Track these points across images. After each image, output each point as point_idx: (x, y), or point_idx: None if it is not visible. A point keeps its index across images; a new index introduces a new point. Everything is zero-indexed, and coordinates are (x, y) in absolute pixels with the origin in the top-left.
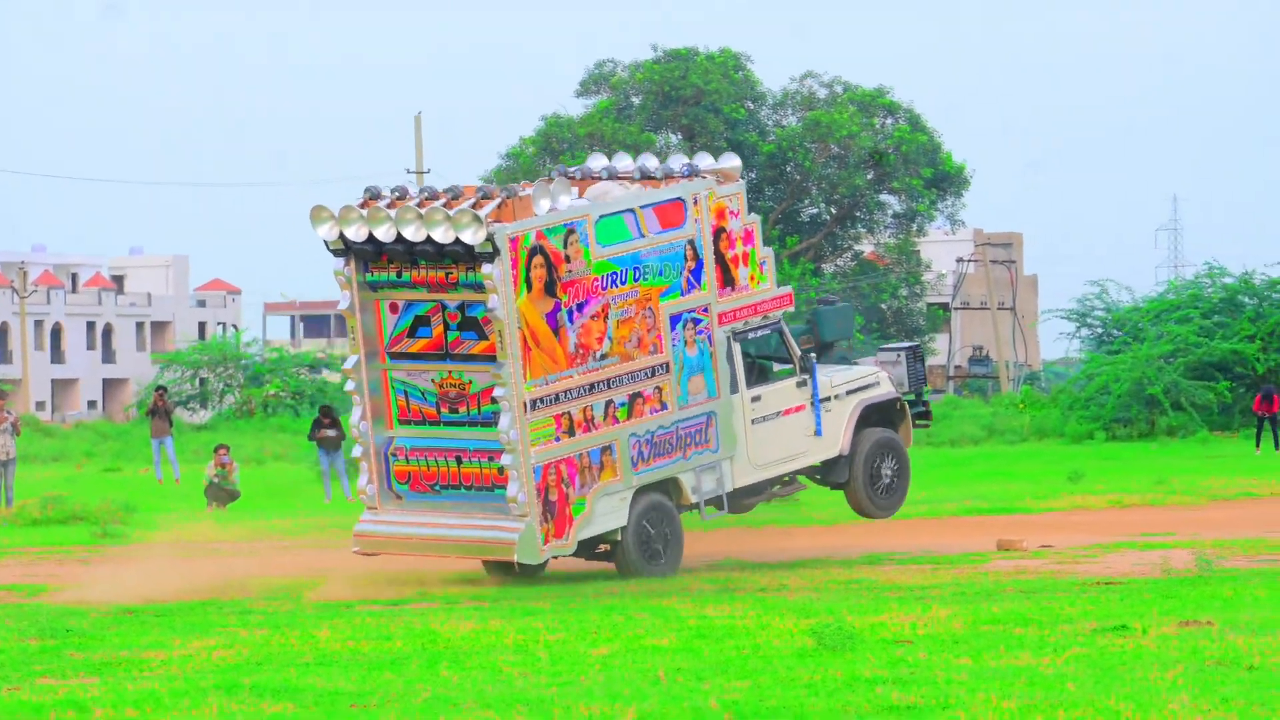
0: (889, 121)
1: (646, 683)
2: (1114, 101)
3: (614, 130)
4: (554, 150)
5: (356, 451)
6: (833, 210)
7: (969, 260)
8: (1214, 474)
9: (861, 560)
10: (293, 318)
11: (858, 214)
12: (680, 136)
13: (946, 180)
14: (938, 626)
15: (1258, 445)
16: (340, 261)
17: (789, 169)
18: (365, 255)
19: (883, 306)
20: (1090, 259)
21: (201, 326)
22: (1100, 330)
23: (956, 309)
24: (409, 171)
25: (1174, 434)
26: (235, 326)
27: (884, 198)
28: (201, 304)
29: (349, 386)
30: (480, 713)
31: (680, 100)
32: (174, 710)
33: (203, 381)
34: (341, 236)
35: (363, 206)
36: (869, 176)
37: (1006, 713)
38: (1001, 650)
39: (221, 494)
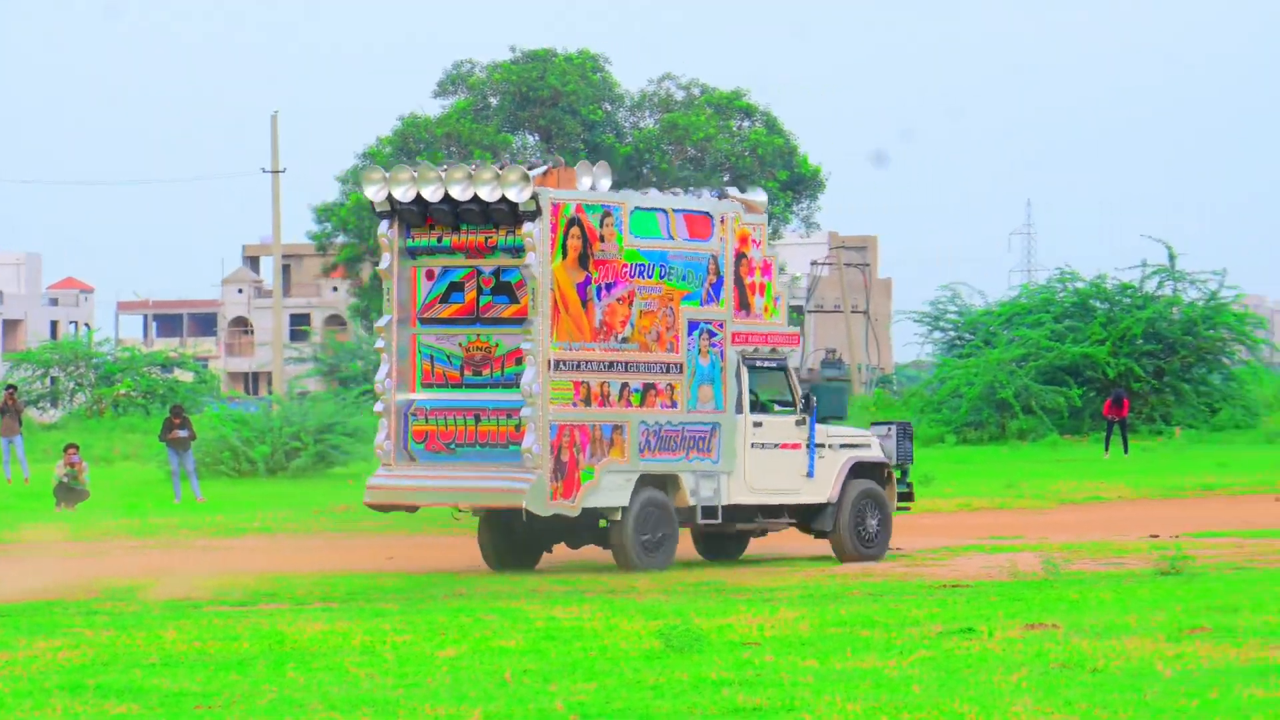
0: (745, 124)
1: (493, 684)
2: (969, 105)
3: (471, 131)
4: (410, 150)
5: (378, 408)
6: None
7: (823, 263)
8: (1063, 477)
9: (710, 562)
10: (145, 317)
11: None
12: (538, 138)
13: (802, 183)
14: (785, 628)
15: (1106, 449)
16: (385, 224)
17: (646, 171)
18: (410, 218)
19: None
20: (944, 262)
21: (54, 325)
22: (953, 334)
23: (810, 312)
24: (264, 170)
25: (1024, 437)
26: (87, 325)
27: None
28: (54, 303)
29: (379, 344)
30: (325, 714)
31: (538, 101)
32: (17, 711)
33: (54, 380)
34: (389, 198)
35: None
36: (725, 179)
37: (851, 715)
38: (848, 652)
39: (71, 494)
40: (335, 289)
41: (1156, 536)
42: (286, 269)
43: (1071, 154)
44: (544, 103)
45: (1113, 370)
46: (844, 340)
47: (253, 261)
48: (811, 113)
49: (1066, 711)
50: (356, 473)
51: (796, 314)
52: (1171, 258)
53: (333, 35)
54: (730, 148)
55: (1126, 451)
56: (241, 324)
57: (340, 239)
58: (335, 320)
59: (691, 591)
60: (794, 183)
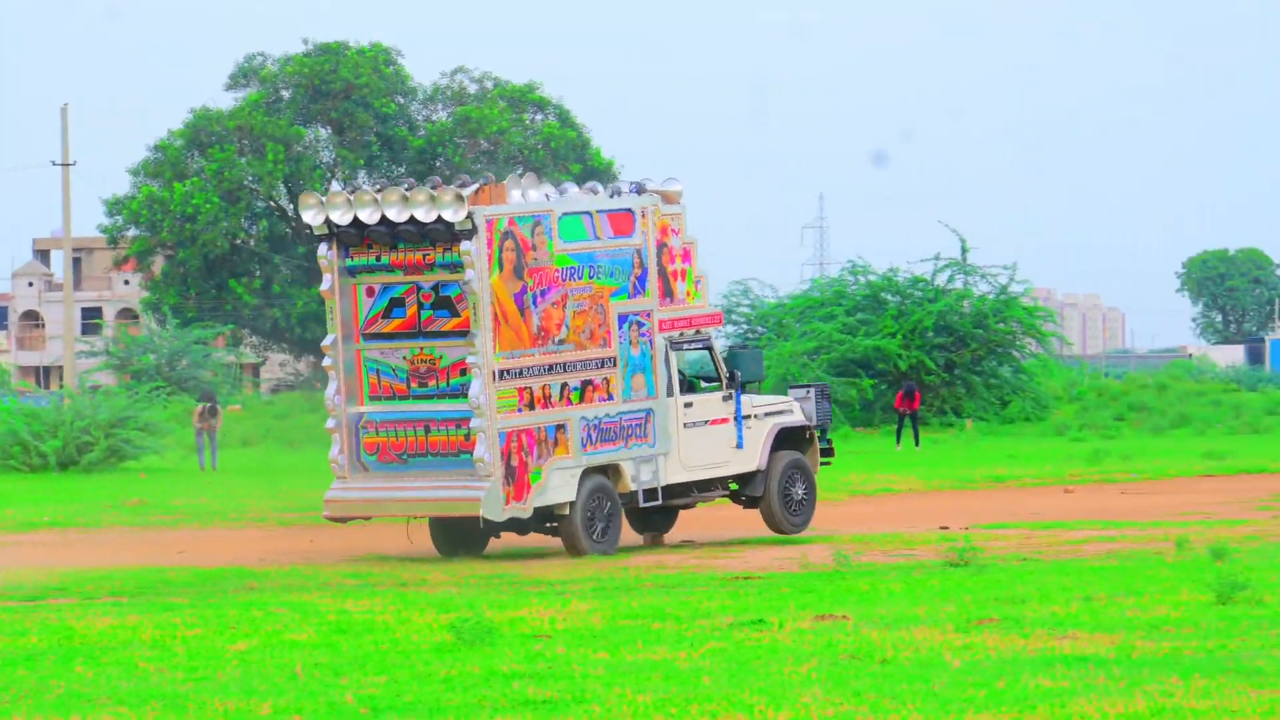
0: (539, 117)
1: (283, 678)
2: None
3: (264, 124)
4: (202, 143)
5: (330, 424)
6: None
7: None
8: (855, 469)
9: (503, 554)
10: None
11: None
12: (330, 130)
13: (595, 177)
14: (577, 621)
15: (898, 441)
16: (324, 246)
17: (439, 164)
18: (348, 239)
19: None
20: (736, 256)
21: None
22: (745, 327)
23: None
24: (54, 163)
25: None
26: None
27: None
28: None
29: (326, 362)
30: (114, 709)
31: (330, 94)
32: None
33: None
34: (327, 221)
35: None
36: (519, 173)
37: (641, 707)
38: (639, 644)
39: None
40: (127, 282)
41: (947, 528)
42: (77, 262)
43: (863, 146)
44: (336, 96)
45: (904, 363)
46: None
47: (43, 255)
48: (604, 106)
49: (855, 702)
50: (149, 467)
51: None
52: (964, 251)
53: (124, 27)
54: (523, 141)
55: (918, 444)
56: (32, 317)
57: (131, 232)
58: (127, 313)
59: (483, 584)
60: (586, 176)
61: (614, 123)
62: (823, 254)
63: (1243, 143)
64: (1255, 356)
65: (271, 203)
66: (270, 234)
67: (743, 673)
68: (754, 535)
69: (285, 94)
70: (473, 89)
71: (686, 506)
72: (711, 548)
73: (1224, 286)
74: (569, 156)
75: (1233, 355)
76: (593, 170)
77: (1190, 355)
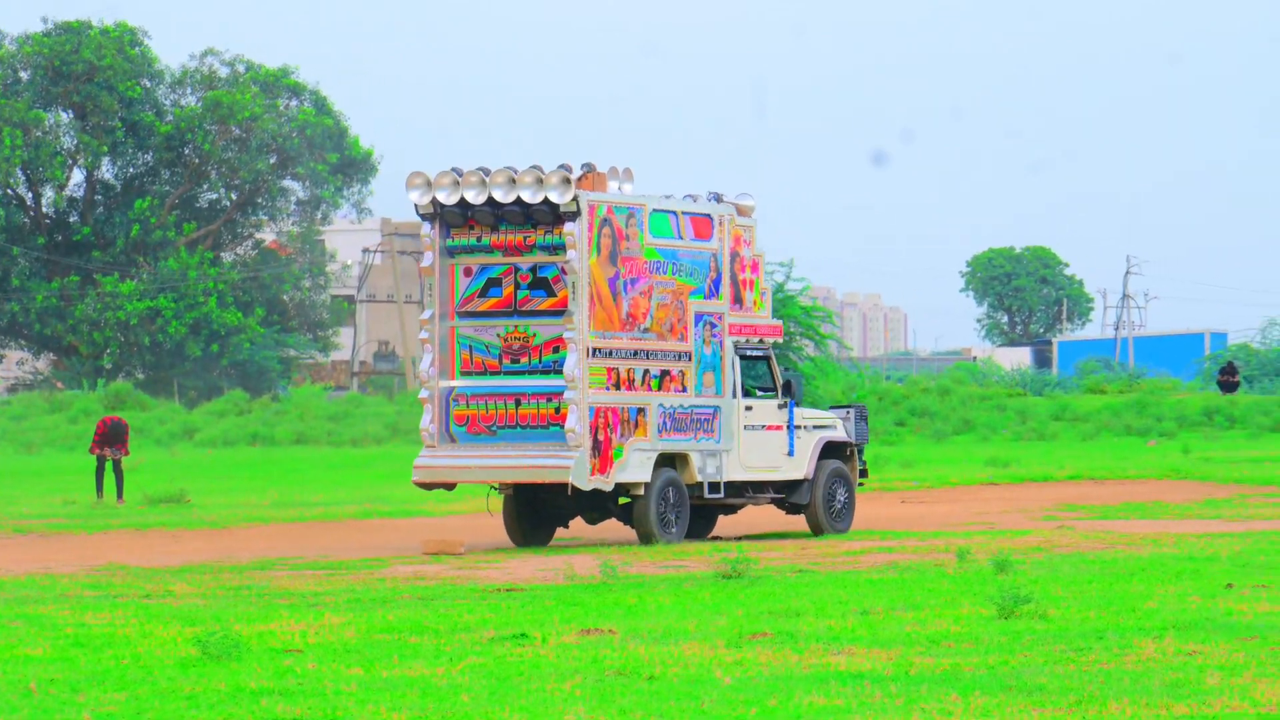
0: (294, 103)
1: (17, 695)
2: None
3: (1, 107)
4: None
5: (423, 394)
6: (233, 196)
7: (376, 251)
8: None
9: (253, 565)
10: None
11: (259, 200)
12: (72, 115)
13: (353, 166)
14: (330, 635)
15: None
16: (427, 225)
17: (187, 151)
18: (452, 219)
19: (285, 299)
20: None
21: None
22: None
23: (362, 301)
24: None
25: None
26: None
27: (287, 183)
28: None
29: (422, 335)
30: None
31: (72, 76)
32: None
33: None
34: (433, 201)
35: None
36: (272, 161)
37: None
38: (395, 660)
39: None
40: None
41: (718, 539)
42: None
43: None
44: (78, 78)
45: None
46: (398, 332)
47: None
48: (363, 93)
49: (621, 719)
50: None
51: (347, 304)
52: None
53: None
54: (277, 128)
55: None
56: None
57: None
58: None
59: (232, 596)
60: (345, 165)
61: (374, 110)
62: None
63: (1031, 139)
64: (1042, 359)
65: (9, 190)
66: (8, 224)
67: (503, 690)
68: (518, 546)
69: (23, 75)
70: (224, 73)
71: (739, 507)
72: (474, 558)
73: (1010, 286)
74: (325, 145)
75: (1019, 358)
76: (351, 159)
77: (975, 358)
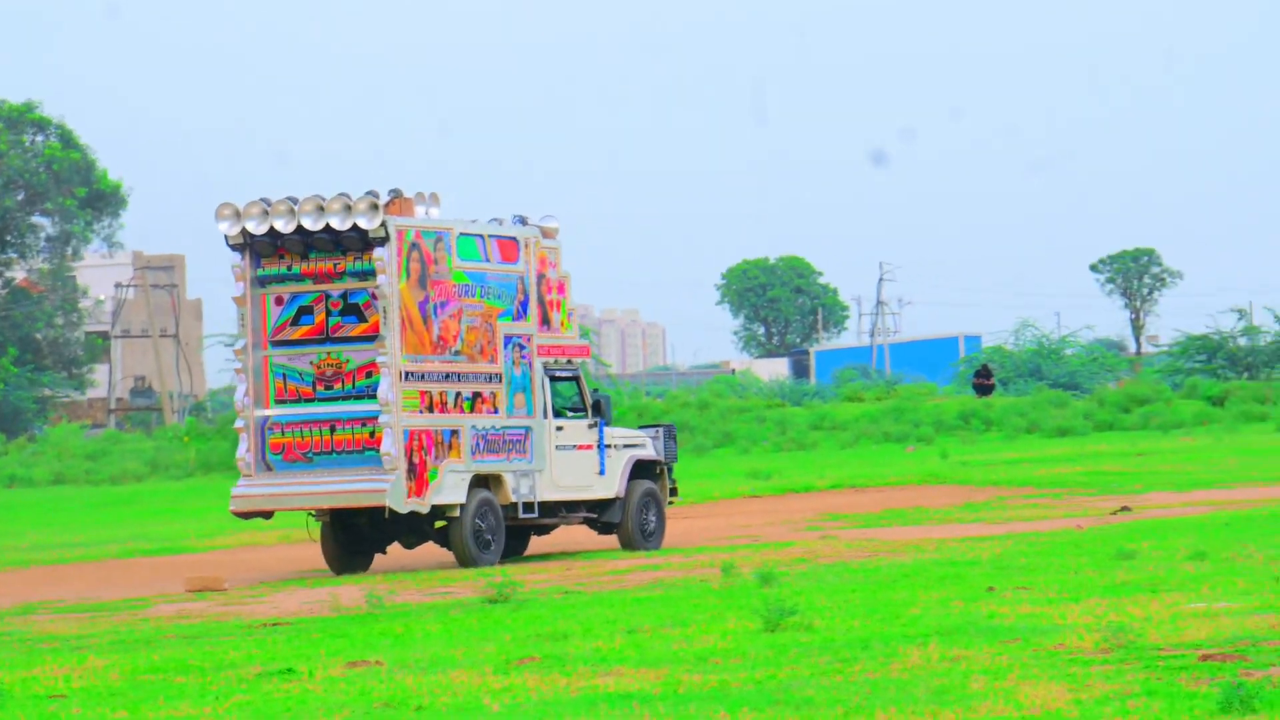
0: (39, 138)
1: None
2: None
3: None
4: None
5: (238, 424)
6: None
7: (128, 285)
8: None
9: (14, 611)
10: None
11: (8, 238)
12: None
13: (103, 199)
14: (94, 678)
15: None
16: (237, 255)
17: None
18: (262, 249)
19: (38, 336)
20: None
21: None
22: None
23: (116, 337)
24: None
25: None
26: None
27: (36, 219)
28: None
29: (235, 365)
30: None
31: None
32: None
33: None
34: (242, 231)
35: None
36: (19, 197)
37: None
38: (160, 701)
39: None
40: None
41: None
42: None
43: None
44: None
45: None
46: (154, 367)
47: None
48: (112, 125)
49: None
50: None
51: (101, 339)
52: None
53: None
54: (24, 163)
55: None
56: None
57: None
58: None
59: None
60: (94, 199)
61: (122, 141)
62: None
63: (782, 146)
64: (800, 369)
65: None
66: None
67: None
68: (283, 579)
69: None
70: None
71: (551, 527)
72: (238, 592)
73: (765, 297)
74: (73, 179)
75: (777, 368)
76: (100, 193)
77: (733, 370)
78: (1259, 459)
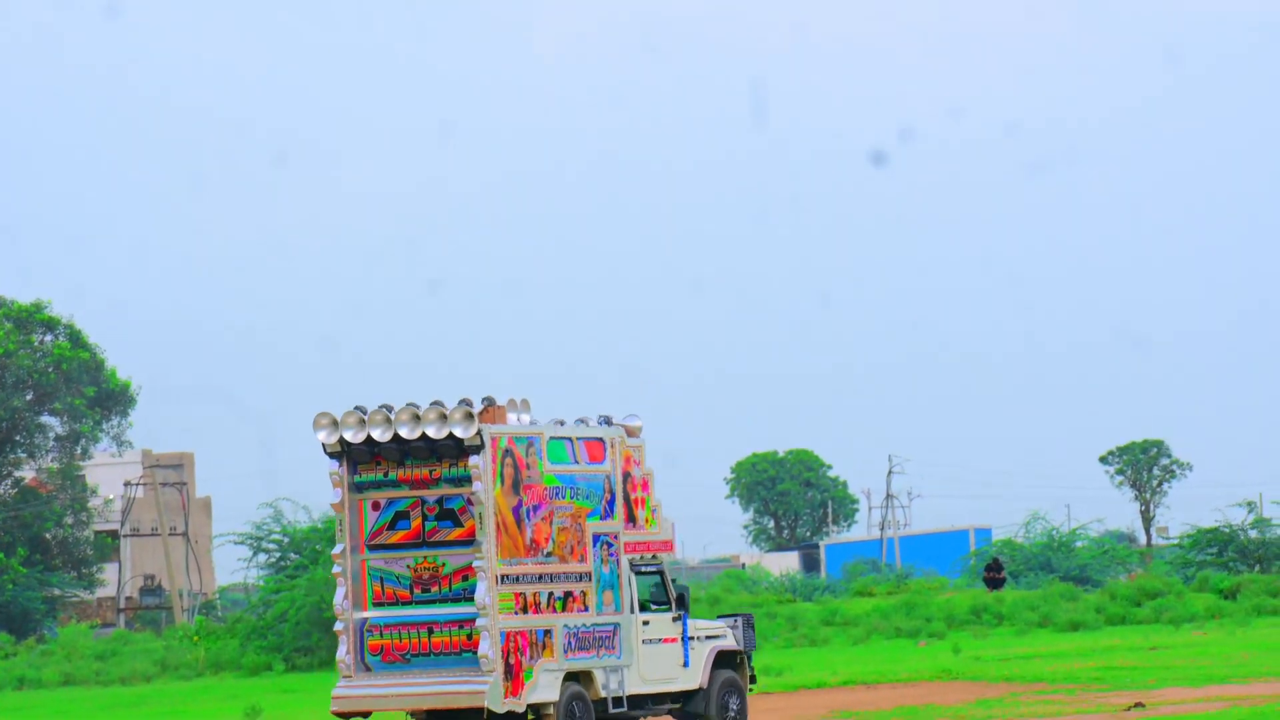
0: (48, 338)
1: None
2: (297, 304)
3: None
4: None
5: (338, 626)
6: None
7: (137, 483)
8: None
9: None
10: None
11: (17, 437)
12: None
13: (111, 398)
14: None
15: None
16: (335, 463)
17: None
18: (359, 456)
19: (47, 536)
20: (268, 478)
21: None
22: (277, 554)
23: (125, 536)
24: None
25: None
26: None
27: (45, 419)
28: None
29: (335, 570)
30: None
31: None
32: None
33: None
34: (340, 440)
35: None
36: (28, 397)
37: None
38: None
39: None
40: None
41: None
42: None
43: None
44: None
45: None
46: (163, 565)
47: None
48: (120, 324)
49: None
50: None
51: (111, 539)
52: None
53: None
54: (32, 364)
55: None
56: None
57: None
58: None
59: None
60: (103, 399)
61: (131, 341)
62: None
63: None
64: (810, 563)
65: None
66: None
67: None
68: None
69: None
70: None
71: (640, 716)
72: None
73: (775, 491)
74: (82, 379)
75: (787, 562)
76: (109, 392)
77: (743, 564)
78: (1272, 653)
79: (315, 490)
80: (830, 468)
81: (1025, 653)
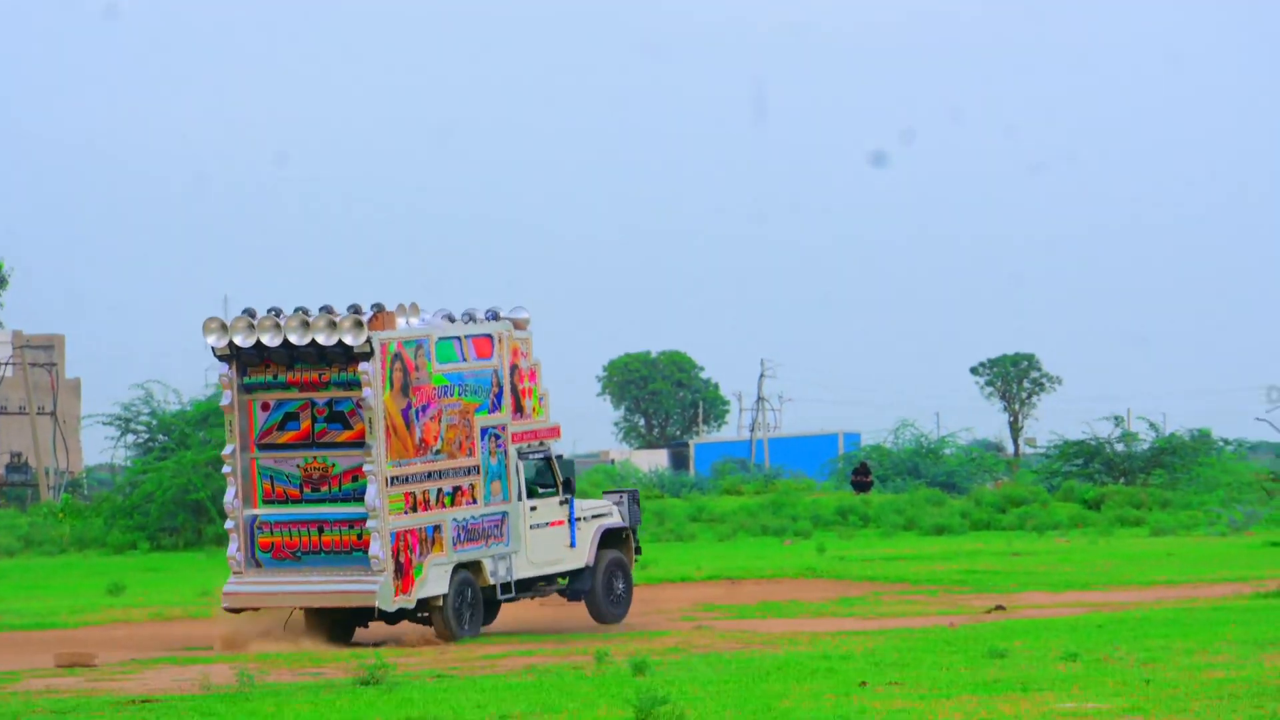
0: None
1: None
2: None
3: None
4: None
5: (228, 524)
6: None
7: (8, 363)
8: None
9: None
10: None
11: None
12: None
13: None
14: None
15: None
16: (224, 366)
17: None
18: (248, 360)
19: None
20: (138, 361)
21: None
22: (146, 436)
23: None
24: None
25: (223, 543)
26: None
27: None
28: None
29: (225, 470)
30: None
31: None
32: None
33: None
34: (229, 344)
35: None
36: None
37: None
38: None
39: None
40: None
41: (358, 645)
42: None
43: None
44: None
45: None
46: (30, 444)
47: None
48: None
49: None
50: None
51: None
52: None
53: None
54: None
55: None
56: None
57: None
58: None
59: None
60: None
61: (2, 219)
62: None
63: (661, 242)
64: (680, 461)
65: None
66: None
67: None
68: (155, 655)
69: None
70: None
71: (531, 597)
72: (107, 668)
73: (647, 390)
74: None
75: (657, 460)
76: None
77: (613, 460)
78: (1133, 562)
79: (185, 374)
80: (703, 370)
81: (890, 554)
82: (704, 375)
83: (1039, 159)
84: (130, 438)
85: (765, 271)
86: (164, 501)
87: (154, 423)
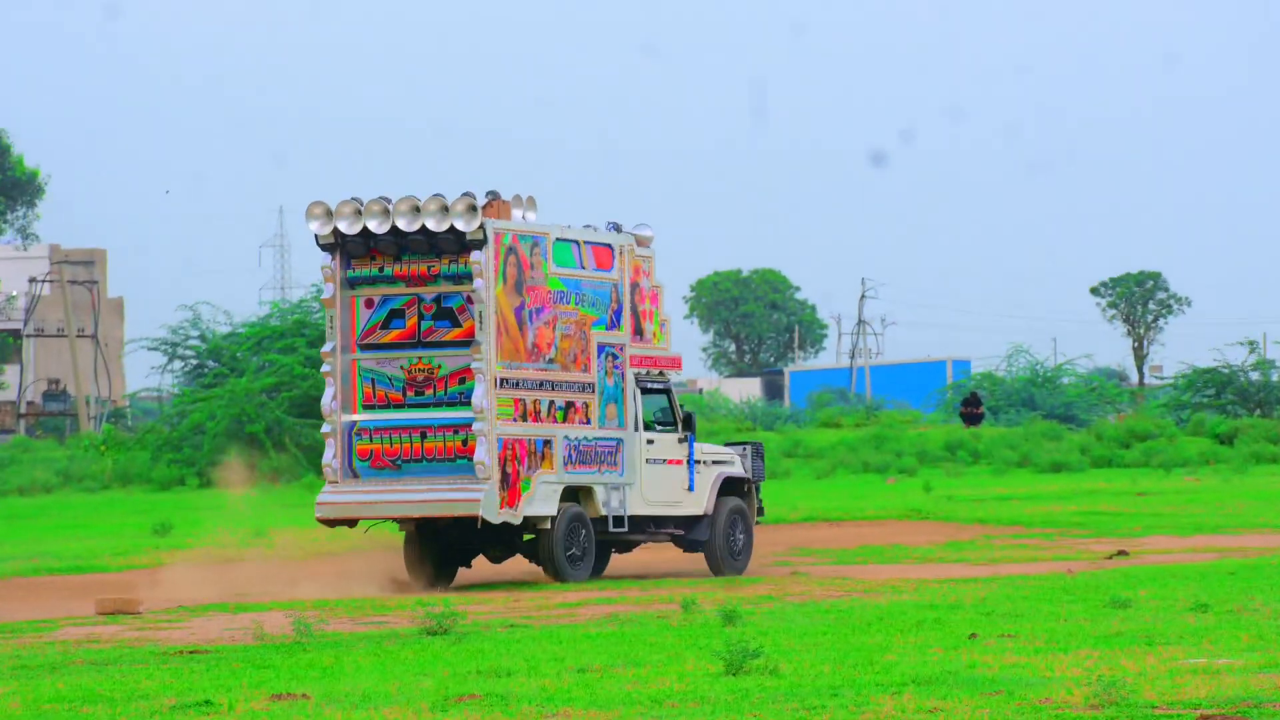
0: None
1: None
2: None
3: None
4: None
5: (325, 429)
6: None
7: (44, 280)
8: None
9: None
10: None
11: None
12: None
13: (17, 187)
14: None
15: None
16: (327, 256)
17: None
18: (354, 250)
19: None
20: (186, 279)
21: None
22: (194, 362)
23: (29, 336)
24: None
25: (278, 478)
26: None
27: None
28: None
29: (324, 369)
30: None
31: None
32: None
33: None
34: (334, 231)
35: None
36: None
37: None
38: None
39: None
40: None
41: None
42: None
43: (320, 156)
44: None
45: None
46: (69, 369)
47: None
48: (33, 109)
49: None
50: None
51: (13, 338)
52: None
53: None
54: None
55: None
56: None
57: None
58: None
59: None
60: (8, 187)
61: (43, 127)
62: (284, 276)
63: (757, 156)
64: (774, 391)
65: None
66: None
67: None
68: (204, 602)
69: None
70: None
71: (636, 544)
72: (154, 616)
73: (738, 312)
74: None
75: (748, 389)
76: (14, 180)
77: (701, 390)
78: (1269, 503)
79: (239, 294)
80: (799, 290)
81: (1002, 494)
82: (800, 296)
83: (1172, 52)
84: (178, 364)
85: (866, 183)
86: (215, 433)
87: (203, 347)
